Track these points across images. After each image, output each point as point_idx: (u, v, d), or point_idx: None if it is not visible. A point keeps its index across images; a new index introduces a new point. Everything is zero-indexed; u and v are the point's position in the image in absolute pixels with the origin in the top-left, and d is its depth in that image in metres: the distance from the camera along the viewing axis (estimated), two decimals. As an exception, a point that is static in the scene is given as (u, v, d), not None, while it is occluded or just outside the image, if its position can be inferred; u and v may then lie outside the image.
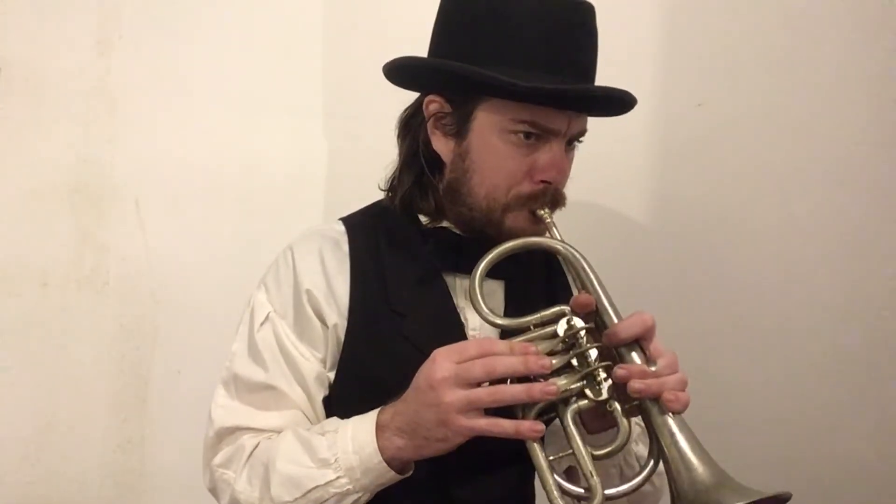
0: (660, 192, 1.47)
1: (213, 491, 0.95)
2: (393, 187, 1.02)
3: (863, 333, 1.43)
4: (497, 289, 0.98)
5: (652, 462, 0.82)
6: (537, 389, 0.77)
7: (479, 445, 0.82)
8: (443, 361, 0.80)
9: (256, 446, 0.91)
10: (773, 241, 1.45)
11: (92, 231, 1.42)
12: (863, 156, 1.42)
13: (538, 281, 1.02)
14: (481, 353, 0.79)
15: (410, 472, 0.86)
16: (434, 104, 0.95)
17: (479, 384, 0.79)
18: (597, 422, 0.86)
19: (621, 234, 1.47)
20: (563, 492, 0.79)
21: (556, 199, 0.93)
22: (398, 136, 1.02)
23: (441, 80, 0.94)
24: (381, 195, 1.05)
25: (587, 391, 0.80)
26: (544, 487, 0.79)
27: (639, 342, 0.82)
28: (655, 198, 1.47)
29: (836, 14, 1.42)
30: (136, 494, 1.45)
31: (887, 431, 1.43)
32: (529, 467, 0.82)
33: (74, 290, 1.42)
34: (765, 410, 1.45)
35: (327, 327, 0.95)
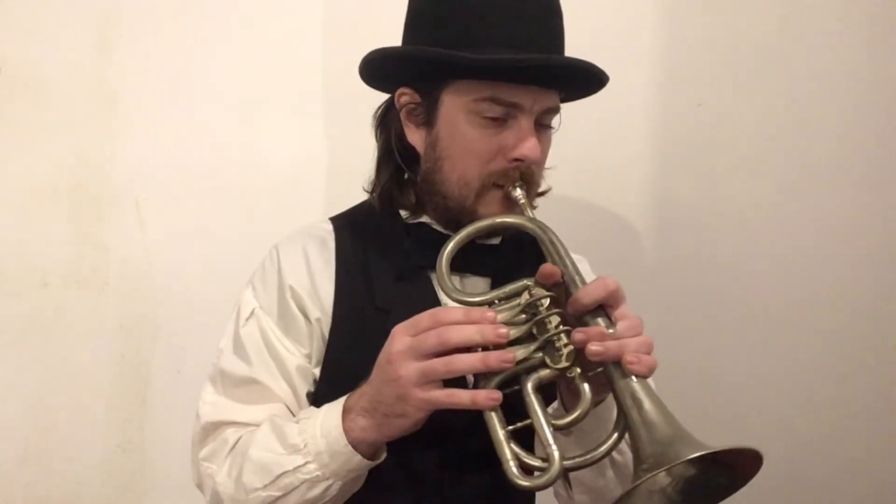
0: (660, 191, 1.46)
1: (200, 486, 0.95)
2: (373, 184, 1.02)
3: (863, 333, 1.43)
4: (484, 286, 0.97)
5: (616, 434, 0.78)
6: (493, 358, 0.75)
7: (468, 441, 0.80)
8: (399, 336, 0.79)
9: (238, 440, 0.91)
10: (773, 240, 1.45)
11: (92, 231, 1.42)
12: (862, 155, 1.42)
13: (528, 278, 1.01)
14: (435, 323, 0.77)
15: (382, 459, 0.85)
16: (405, 96, 0.95)
17: (436, 355, 0.77)
18: (571, 397, 0.83)
19: (621, 233, 1.47)
20: (521, 463, 0.76)
21: (528, 178, 0.91)
22: (374, 133, 1.02)
23: (406, 69, 0.94)
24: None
25: (547, 359, 0.77)
26: (500, 459, 0.76)
27: (604, 308, 0.78)
28: (655, 197, 1.47)
29: (836, 14, 1.42)
30: (136, 494, 1.44)
31: (887, 431, 1.43)
32: None
33: (74, 290, 1.42)
34: (764, 409, 1.45)
35: (311, 323, 0.95)
